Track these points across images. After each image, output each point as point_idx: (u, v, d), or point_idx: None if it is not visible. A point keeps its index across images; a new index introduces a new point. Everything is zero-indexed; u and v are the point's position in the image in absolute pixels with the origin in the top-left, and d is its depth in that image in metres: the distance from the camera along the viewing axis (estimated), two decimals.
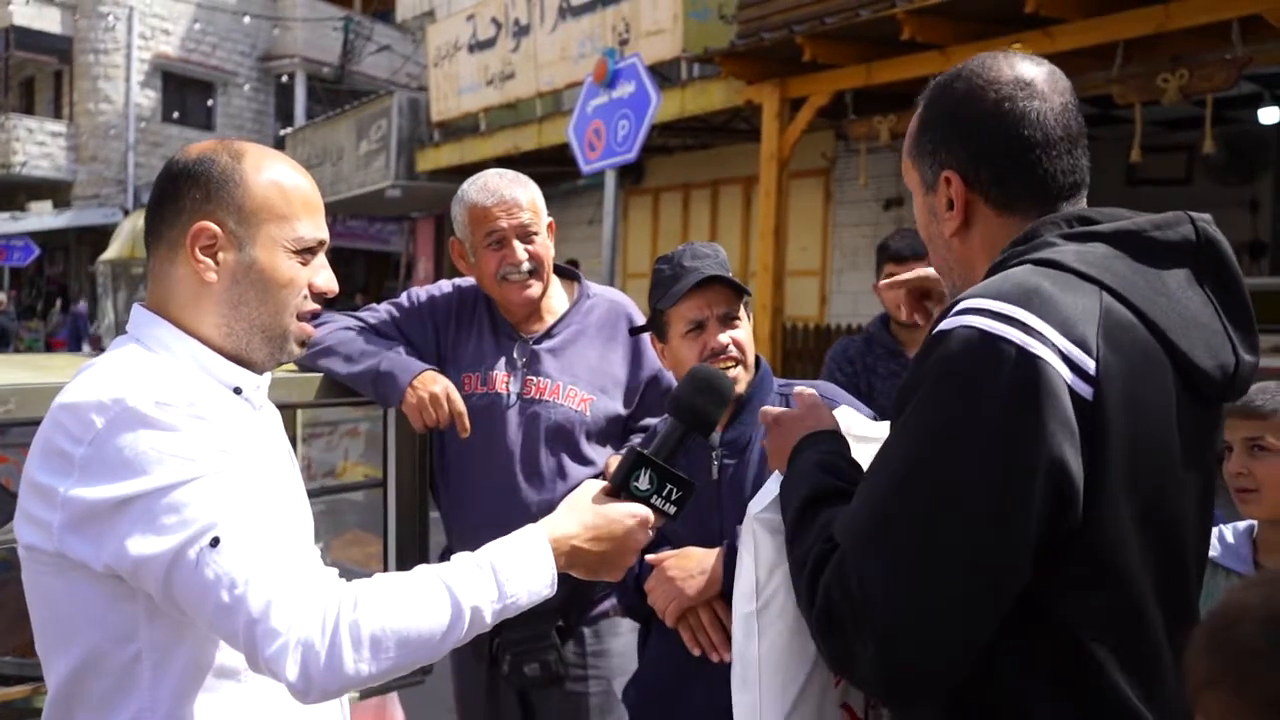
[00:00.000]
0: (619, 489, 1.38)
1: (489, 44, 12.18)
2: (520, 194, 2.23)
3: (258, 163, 1.30)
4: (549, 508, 2.19)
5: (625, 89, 7.46)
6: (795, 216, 8.66)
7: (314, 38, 23.87)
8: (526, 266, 2.21)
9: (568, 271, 2.44)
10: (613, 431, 2.31)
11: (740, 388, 1.91)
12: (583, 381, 2.27)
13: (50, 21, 22.79)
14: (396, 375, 2.15)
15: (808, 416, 1.41)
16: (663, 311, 1.94)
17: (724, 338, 1.90)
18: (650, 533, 1.38)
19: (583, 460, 2.26)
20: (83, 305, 20.03)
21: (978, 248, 1.27)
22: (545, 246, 2.26)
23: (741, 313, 1.94)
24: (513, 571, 1.24)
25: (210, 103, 23.92)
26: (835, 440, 1.37)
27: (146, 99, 23.13)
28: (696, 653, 1.90)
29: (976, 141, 1.23)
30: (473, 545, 2.27)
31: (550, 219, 2.33)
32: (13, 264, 21.08)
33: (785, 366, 8.27)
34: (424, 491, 2.37)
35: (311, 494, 2.37)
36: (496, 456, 2.25)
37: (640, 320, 2.34)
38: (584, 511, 1.36)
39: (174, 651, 1.20)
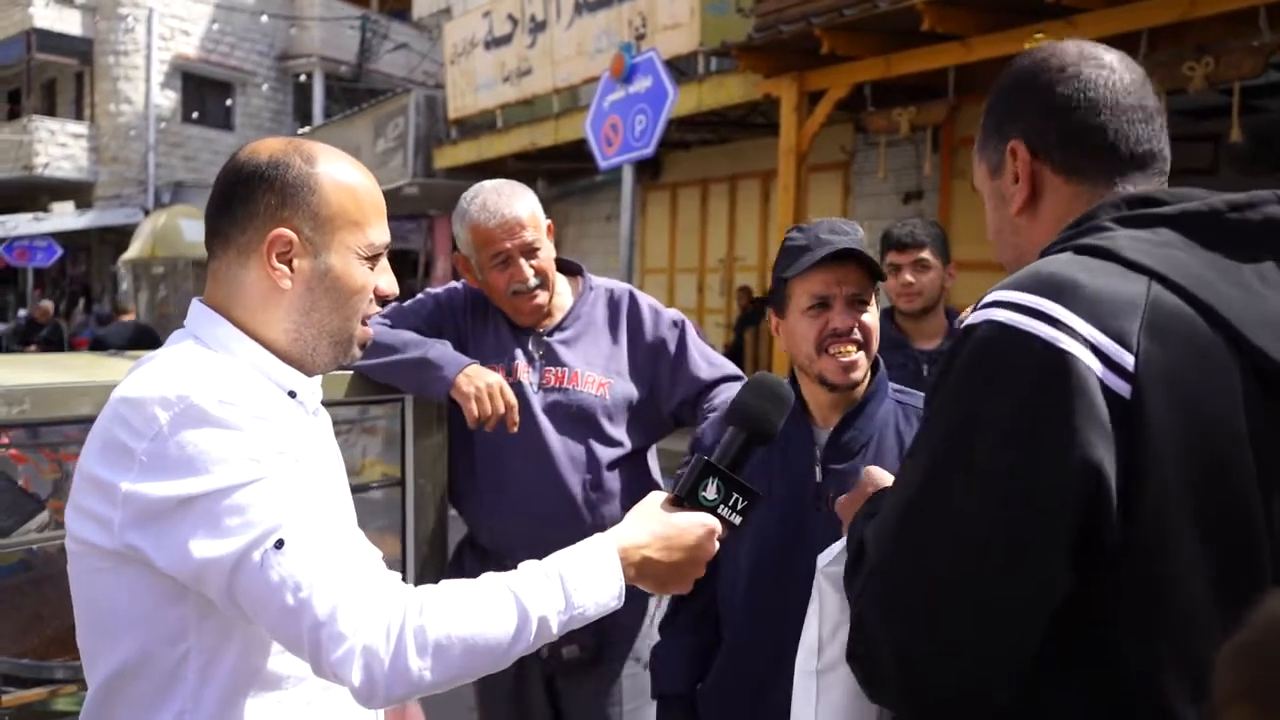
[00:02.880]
0: (685, 498, 1.35)
1: (505, 40, 12.17)
2: (520, 209, 2.25)
3: (331, 167, 1.29)
4: (586, 492, 2.30)
5: (642, 84, 7.43)
6: (814, 210, 8.59)
7: (331, 37, 23.93)
8: (533, 281, 2.25)
9: (569, 266, 2.47)
10: (633, 413, 2.34)
11: (857, 374, 1.78)
12: (597, 367, 2.31)
13: (71, 24, 22.94)
14: (444, 366, 2.17)
15: (864, 486, 1.38)
16: (786, 282, 1.81)
17: (850, 320, 1.76)
18: (717, 543, 1.35)
19: (609, 442, 2.29)
20: (105, 306, 20.17)
21: (1046, 224, 1.18)
22: (548, 256, 2.29)
23: (872, 299, 1.81)
24: (581, 581, 1.22)
25: (229, 102, 24.02)
26: (881, 495, 1.32)
27: (166, 99, 23.25)
28: None
29: (1043, 103, 1.17)
30: (513, 535, 2.24)
31: (549, 221, 2.35)
32: (36, 264, 21.21)
33: None
34: (443, 490, 2.35)
35: None
36: (528, 445, 2.27)
37: (643, 303, 2.39)
38: (653, 521, 1.33)
39: (221, 655, 1.20)
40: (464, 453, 2.36)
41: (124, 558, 1.15)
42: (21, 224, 21.45)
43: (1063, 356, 0.97)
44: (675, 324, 2.39)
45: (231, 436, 1.14)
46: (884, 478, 1.37)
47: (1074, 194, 1.16)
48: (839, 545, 1.37)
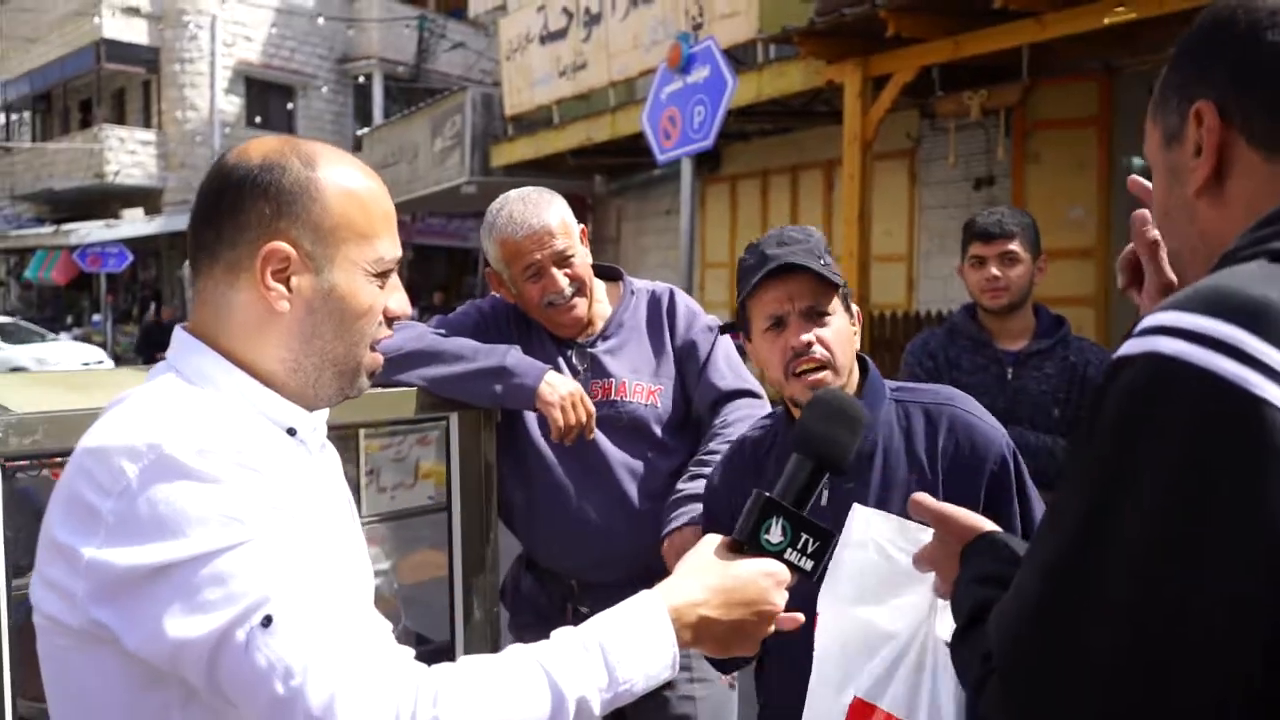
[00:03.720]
0: (746, 543, 1.16)
1: (560, 35, 12.04)
2: (549, 218, 2.11)
3: (333, 170, 1.12)
4: (648, 504, 2.13)
5: (700, 74, 7.22)
6: (878, 200, 8.30)
7: (389, 38, 24.11)
8: (569, 291, 2.13)
9: (609, 271, 2.34)
10: (686, 417, 2.23)
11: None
12: (645, 375, 2.21)
13: (138, 33, 23.43)
14: (524, 373, 2.07)
15: (945, 533, 1.16)
16: (744, 304, 1.72)
17: (807, 336, 1.63)
18: (786, 594, 1.16)
19: (666, 451, 2.20)
20: (176, 308, 20.55)
21: (1234, 212, 0.92)
22: (584, 262, 2.17)
23: (835, 306, 1.67)
24: (626, 652, 1.04)
25: (290, 106, 24.33)
26: (990, 546, 1.09)
27: (231, 105, 23.64)
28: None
29: (1245, 56, 0.90)
30: (576, 554, 2.10)
31: (582, 225, 2.22)
32: (108, 270, 21.70)
33: (873, 357, 7.90)
34: (492, 509, 2.19)
35: (378, 517, 2.24)
36: (584, 461, 2.17)
37: (681, 303, 2.28)
38: (709, 572, 1.14)
39: None
40: (514, 470, 2.24)
41: (92, 636, 0.98)
42: (94, 231, 21.98)
43: (1250, 399, 0.74)
44: (710, 328, 2.28)
45: (212, 492, 0.96)
46: (969, 523, 1.13)
47: (1275, 175, 0.89)
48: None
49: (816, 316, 1.65)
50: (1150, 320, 0.81)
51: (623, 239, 14.06)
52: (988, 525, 1.13)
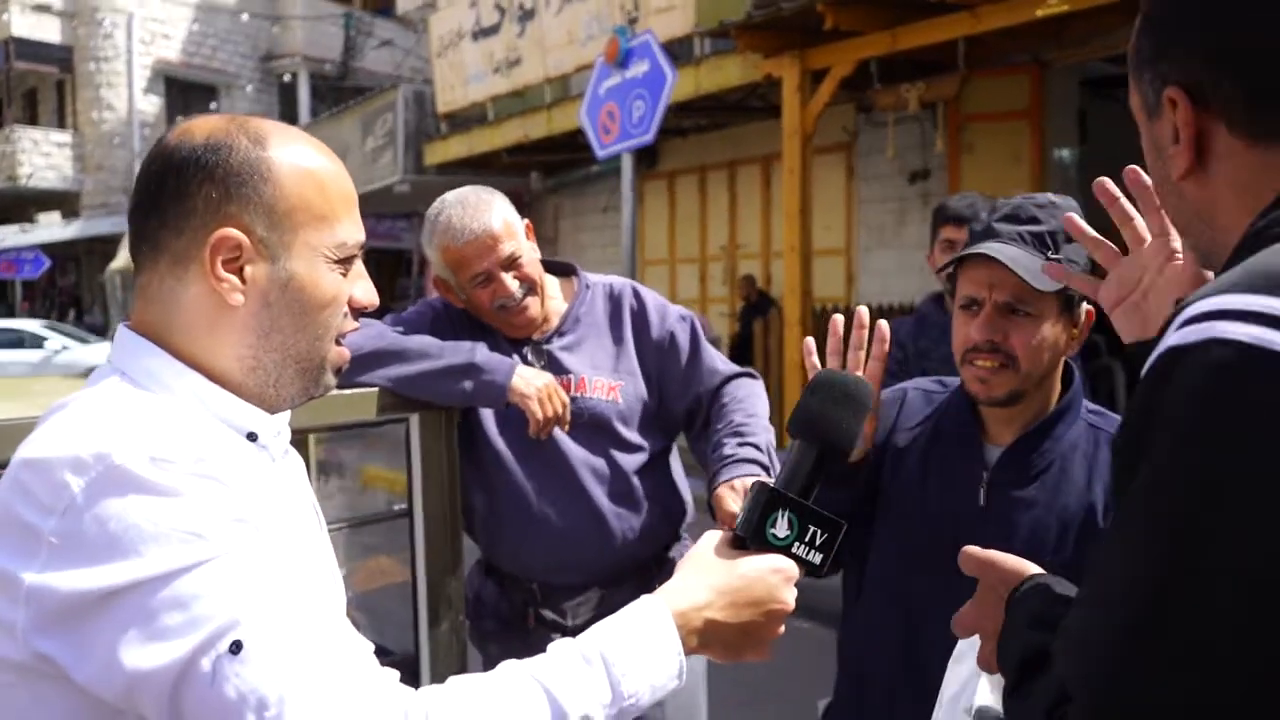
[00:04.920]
0: (750, 539, 1.07)
1: (493, 30, 11.89)
2: (491, 221, 2.03)
3: (286, 148, 1.02)
4: (612, 504, 2.06)
5: (639, 68, 7.18)
6: (816, 194, 8.33)
7: (315, 35, 23.67)
8: (520, 293, 2.06)
9: (562, 267, 2.28)
10: (648, 414, 2.17)
11: (994, 393, 1.50)
12: (605, 370, 2.16)
13: (50, 31, 22.68)
14: (495, 369, 2.00)
15: (990, 582, 1.05)
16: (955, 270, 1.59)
17: (990, 335, 1.48)
18: (795, 591, 1.07)
19: (628, 448, 2.16)
20: (96, 316, 19.92)
21: (1224, 194, 0.85)
22: (532, 261, 2.09)
23: (1044, 309, 1.48)
24: (630, 663, 0.95)
25: (214, 106, 23.75)
26: (1037, 589, 0.99)
27: (150, 105, 23.02)
28: None
29: (1218, 33, 0.82)
30: (539, 556, 2.02)
31: (526, 221, 2.14)
32: (24, 277, 21.02)
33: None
34: (455, 512, 2.11)
35: (334, 524, 2.14)
36: (545, 460, 2.11)
37: (647, 298, 2.22)
38: (712, 572, 1.05)
39: None
40: (473, 473, 2.17)
41: (34, 671, 0.87)
42: (8, 236, 21.25)
43: None
44: (684, 318, 2.23)
45: (168, 506, 0.86)
46: (1014, 567, 1.03)
47: (1266, 161, 0.81)
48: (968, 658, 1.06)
49: (1014, 313, 1.49)
50: (1198, 306, 0.72)
51: (560, 236, 13.95)
52: (1034, 569, 1.03)
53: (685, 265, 12.26)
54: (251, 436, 1.03)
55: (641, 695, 0.96)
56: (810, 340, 1.53)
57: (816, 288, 8.47)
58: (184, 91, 23.47)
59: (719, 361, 2.21)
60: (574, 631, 2.01)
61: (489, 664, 2.22)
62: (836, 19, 6.87)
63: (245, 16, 23.51)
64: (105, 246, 21.09)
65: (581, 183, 13.21)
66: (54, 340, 16.21)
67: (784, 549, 1.07)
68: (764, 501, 1.07)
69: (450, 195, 2.10)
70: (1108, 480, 1.52)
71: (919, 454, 1.63)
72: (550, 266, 2.23)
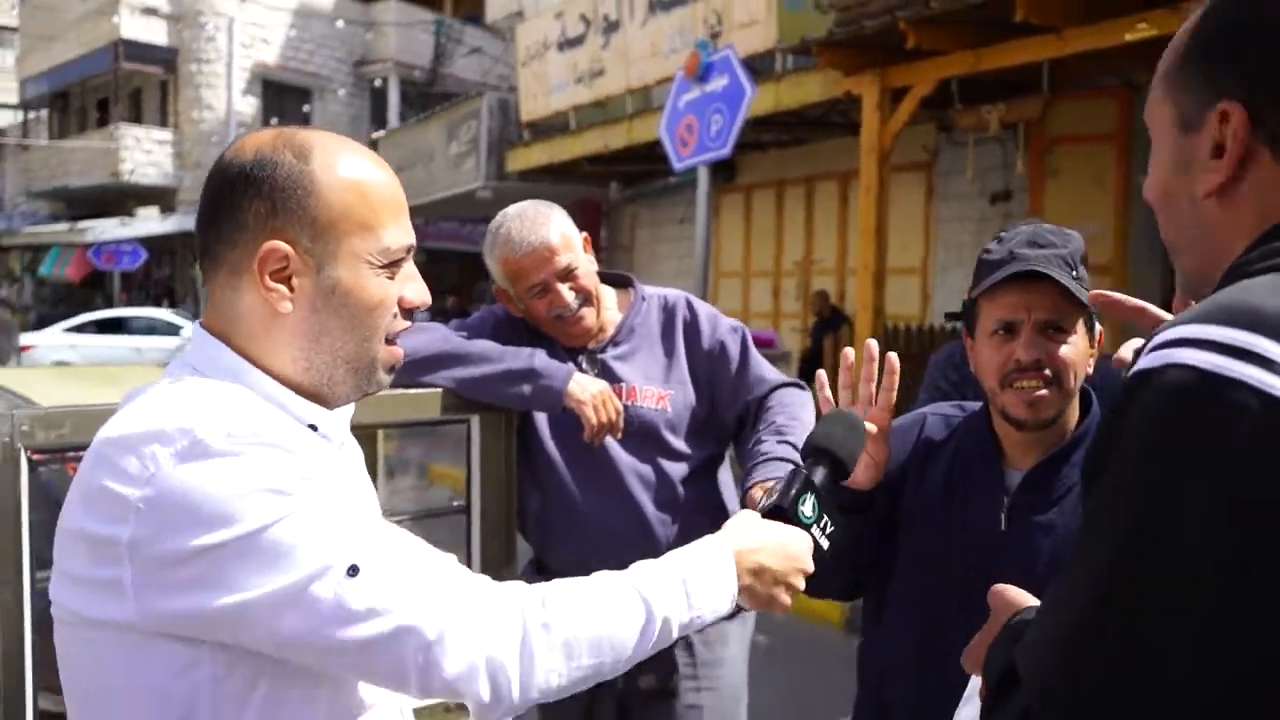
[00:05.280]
0: (787, 508, 1.28)
1: (578, 41, 12.06)
2: (548, 234, 2.11)
3: (329, 160, 1.08)
4: (658, 510, 2.13)
5: (719, 82, 7.23)
6: (894, 213, 8.29)
7: (406, 42, 24.21)
8: (575, 304, 2.13)
9: (619, 279, 2.35)
10: (698, 423, 2.23)
11: (1047, 412, 1.52)
12: (656, 379, 2.21)
13: (156, 33, 23.58)
14: (553, 374, 2.08)
15: (998, 614, 1.08)
16: (975, 300, 1.60)
17: (1036, 353, 1.50)
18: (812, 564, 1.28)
19: (675, 456, 2.20)
20: (188, 307, 20.64)
21: (1243, 218, 0.87)
22: (588, 273, 2.16)
23: (1078, 325, 1.53)
24: (700, 585, 1.14)
25: (307, 108, 24.43)
26: (1021, 624, 1.02)
27: (247, 106, 23.76)
28: None
29: None
30: (585, 558, 2.14)
31: (585, 234, 2.21)
32: (123, 268, 21.81)
33: None
34: (510, 510, 2.19)
35: (396, 517, 2.24)
36: (595, 466, 2.17)
37: (700, 309, 2.28)
38: (760, 528, 1.24)
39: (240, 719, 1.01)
40: (527, 474, 2.25)
41: (128, 626, 0.97)
42: (108, 229, 22.09)
43: None
44: (735, 329, 2.28)
45: (252, 469, 0.97)
46: (1019, 598, 1.07)
47: None
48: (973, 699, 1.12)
49: (1053, 332, 1.52)
50: (1165, 334, 0.77)
51: (637, 246, 14.06)
52: (1034, 601, 1.06)
53: (759, 279, 12.27)
54: (312, 427, 1.11)
55: (704, 614, 1.14)
56: (822, 373, 1.60)
57: (891, 306, 8.42)
58: (279, 94, 24.19)
59: (768, 371, 2.26)
60: None
61: None
62: (919, 38, 6.84)
63: (340, 23, 24.17)
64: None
65: (659, 193, 13.30)
66: (188, 329, 16.93)
67: (806, 527, 1.28)
68: (801, 482, 1.29)
69: (511, 209, 2.18)
70: None
71: (941, 477, 1.65)
72: (608, 278, 2.30)
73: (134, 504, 0.94)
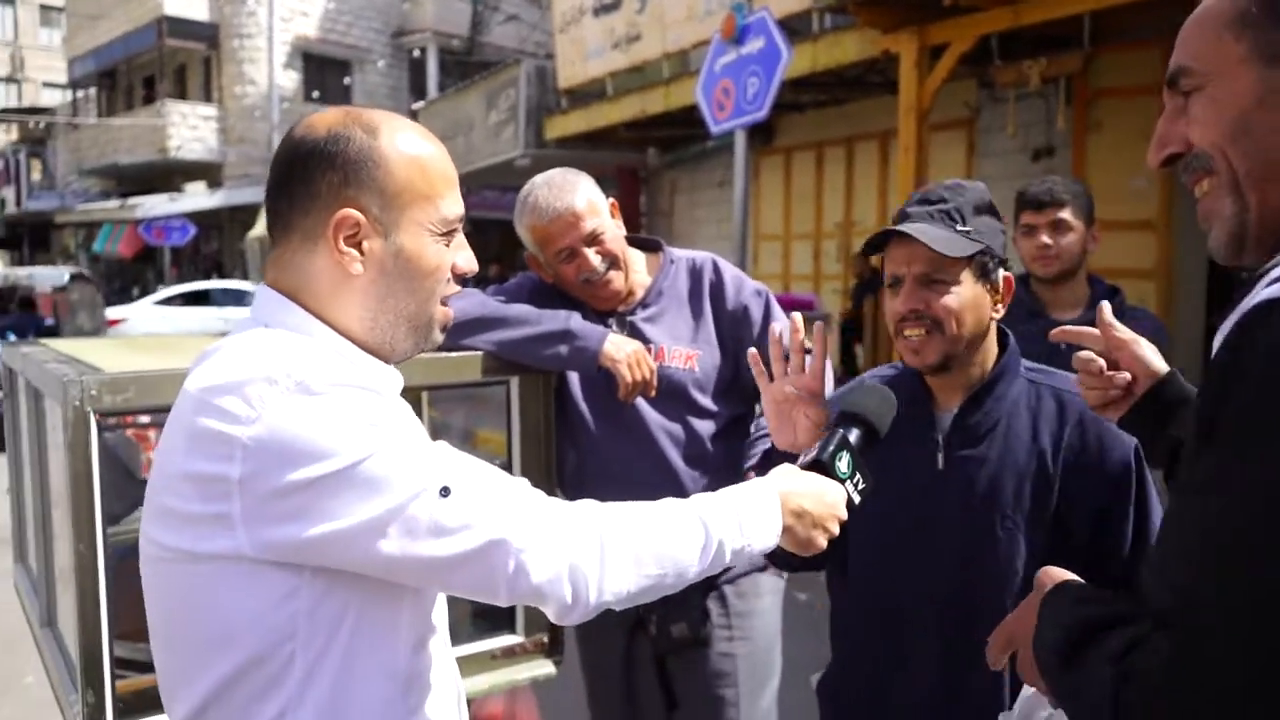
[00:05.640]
0: (826, 461, 1.40)
1: (614, 7, 12.02)
2: (574, 200, 2.18)
3: (394, 137, 1.19)
4: (688, 467, 2.23)
5: (754, 45, 7.19)
6: (935, 171, 8.21)
7: (444, 11, 24.25)
8: (603, 267, 2.21)
9: (649, 243, 2.41)
10: (724, 381, 2.30)
11: (926, 359, 1.61)
12: (684, 340, 2.28)
13: (198, 9, 23.85)
14: (588, 335, 2.17)
15: (1031, 598, 1.13)
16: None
17: (913, 304, 1.60)
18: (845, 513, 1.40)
19: (703, 414, 2.28)
20: (236, 281, 21.00)
21: None
22: (615, 237, 2.23)
23: (962, 275, 1.60)
24: (752, 520, 1.27)
25: (347, 80, 24.61)
26: (1070, 586, 1.06)
27: (289, 80, 23.99)
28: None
29: None
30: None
31: (612, 199, 2.28)
32: (172, 243, 22.24)
33: None
34: (550, 469, 2.28)
35: None
36: (626, 424, 2.25)
37: (726, 272, 2.35)
38: (800, 478, 1.37)
39: (327, 652, 1.12)
40: (563, 433, 2.33)
41: (233, 558, 1.06)
42: (158, 205, 22.51)
43: None
44: (759, 293, 2.34)
45: (349, 407, 1.08)
46: (1050, 573, 1.11)
47: None
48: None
49: (933, 283, 1.61)
50: None
51: (676, 211, 14.06)
52: (1068, 575, 1.11)
53: (800, 241, 12.23)
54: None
55: (754, 545, 1.27)
56: (755, 351, 1.74)
57: None
58: (320, 66, 24.39)
59: None
60: None
61: None
62: None
63: None
64: (245, 215, 22.17)
65: (698, 157, 13.26)
66: None
67: (841, 481, 1.40)
68: (838, 440, 1.43)
69: (539, 177, 2.26)
70: (1054, 428, 1.63)
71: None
72: (637, 243, 2.37)
73: (242, 443, 1.04)
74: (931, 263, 1.60)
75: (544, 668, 2.26)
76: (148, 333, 14.50)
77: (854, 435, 1.45)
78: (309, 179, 1.17)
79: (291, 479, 1.04)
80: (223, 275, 24.51)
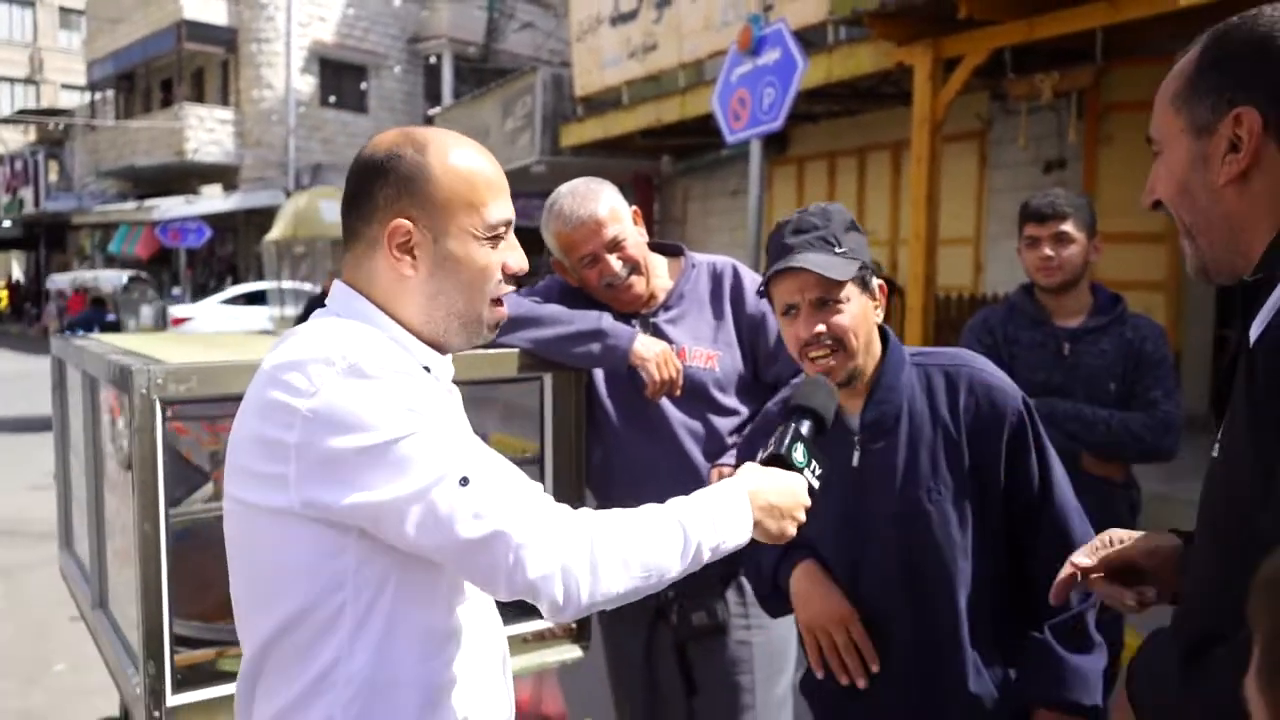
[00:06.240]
0: (783, 454, 1.49)
1: (631, 16, 12.15)
2: (596, 208, 2.30)
3: (442, 153, 1.33)
4: (707, 461, 2.34)
5: (770, 56, 7.30)
6: (947, 182, 8.32)
7: (460, 18, 24.42)
8: (624, 272, 2.31)
9: (671, 248, 2.52)
10: (744, 381, 2.40)
11: (838, 377, 1.74)
12: (705, 340, 2.38)
13: (217, 14, 24.06)
14: (619, 334, 2.27)
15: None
16: (767, 287, 1.83)
17: (817, 328, 1.73)
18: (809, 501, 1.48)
19: (724, 412, 2.36)
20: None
21: (1260, 201, 1.11)
22: (636, 243, 2.34)
23: (848, 293, 1.74)
24: (724, 520, 1.35)
25: (364, 86, 24.79)
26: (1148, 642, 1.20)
27: (305, 84, 24.18)
28: (820, 675, 1.85)
29: None
30: (637, 503, 2.45)
31: (634, 207, 2.40)
32: (188, 245, 22.39)
33: (938, 338, 7.99)
34: (580, 463, 2.38)
35: None
36: (650, 422, 2.35)
37: (746, 277, 2.46)
38: (765, 475, 1.45)
39: (375, 604, 1.26)
40: (590, 430, 2.43)
41: (290, 514, 1.22)
42: (174, 207, 22.69)
43: None
44: None
45: (393, 390, 1.21)
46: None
47: None
48: None
49: (827, 305, 1.74)
50: None
51: (689, 219, 14.17)
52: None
53: None
54: (426, 369, 1.35)
55: (727, 541, 1.36)
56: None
57: (943, 276, 8.47)
58: (336, 71, 24.57)
59: None
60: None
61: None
62: (971, 8, 6.87)
63: (396, 1, 24.45)
64: (261, 218, 22.33)
65: (711, 166, 13.37)
66: None
67: (799, 471, 1.49)
68: (792, 434, 1.52)
69: (565, 186, 2.38)
70: (948, 400, 1.77)
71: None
72: (660, 248, 2.48)
73: (302, 413, 1.20)
74: (822, 287, 1.73)
75: (572, 652, 2.37)
76: (211, 331, 14.77)
77: (805, 427, 1.54)
78: (370, 192, 1.33)
79: (335, 447, 1.18)
80: (237, 278, 24.68)
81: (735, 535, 1.37)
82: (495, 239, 1.36)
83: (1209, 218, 1.15)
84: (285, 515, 1.23)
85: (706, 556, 1.33)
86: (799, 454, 1.50)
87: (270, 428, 1.22)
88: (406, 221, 1.31)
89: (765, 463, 1.49)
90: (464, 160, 1.34)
